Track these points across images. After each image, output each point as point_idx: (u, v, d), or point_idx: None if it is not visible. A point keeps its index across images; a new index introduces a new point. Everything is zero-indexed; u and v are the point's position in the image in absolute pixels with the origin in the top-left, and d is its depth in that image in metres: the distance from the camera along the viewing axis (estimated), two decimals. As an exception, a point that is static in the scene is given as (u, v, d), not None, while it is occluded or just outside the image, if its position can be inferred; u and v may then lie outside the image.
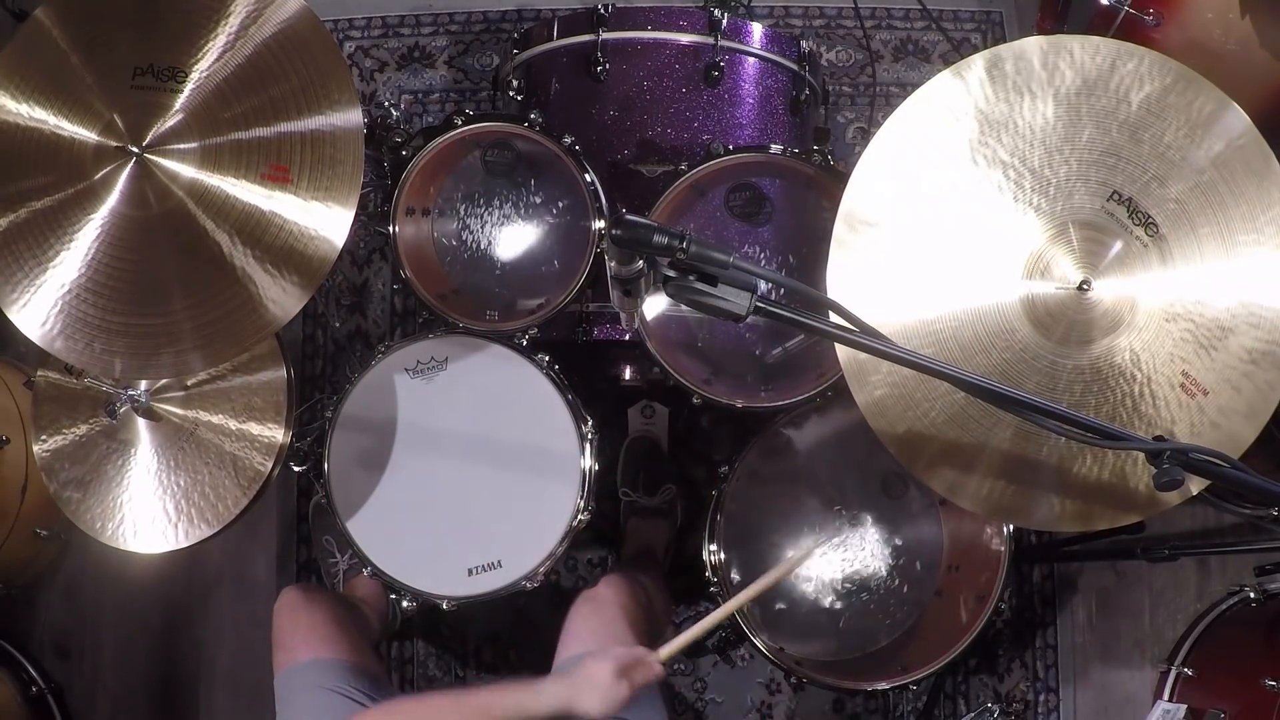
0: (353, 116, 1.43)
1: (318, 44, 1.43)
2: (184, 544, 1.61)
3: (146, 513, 1.62)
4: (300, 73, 1.42)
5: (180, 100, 1.41)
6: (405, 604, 1.68)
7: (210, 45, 1.42)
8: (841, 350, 1.28)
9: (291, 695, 1.49)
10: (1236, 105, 1.24)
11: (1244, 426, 1.25)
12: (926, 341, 1.26)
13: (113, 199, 1.40)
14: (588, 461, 1.65)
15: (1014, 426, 1.26)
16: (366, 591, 1.99)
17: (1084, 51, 1.26)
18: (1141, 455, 1.19)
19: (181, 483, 1.62)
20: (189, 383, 1.63)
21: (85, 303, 1.41)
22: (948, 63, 2.42)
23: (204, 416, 1.63)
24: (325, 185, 1.40)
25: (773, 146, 1.63)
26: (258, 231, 1.39)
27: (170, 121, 1.40)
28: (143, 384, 1.61)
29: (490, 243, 1.83)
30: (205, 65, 1.42)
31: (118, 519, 1.63)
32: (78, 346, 1.42)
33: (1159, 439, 1.03)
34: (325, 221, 1.40)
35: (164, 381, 1.63)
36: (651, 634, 1.70)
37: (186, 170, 1.40)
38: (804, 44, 1.87)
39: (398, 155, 1.69)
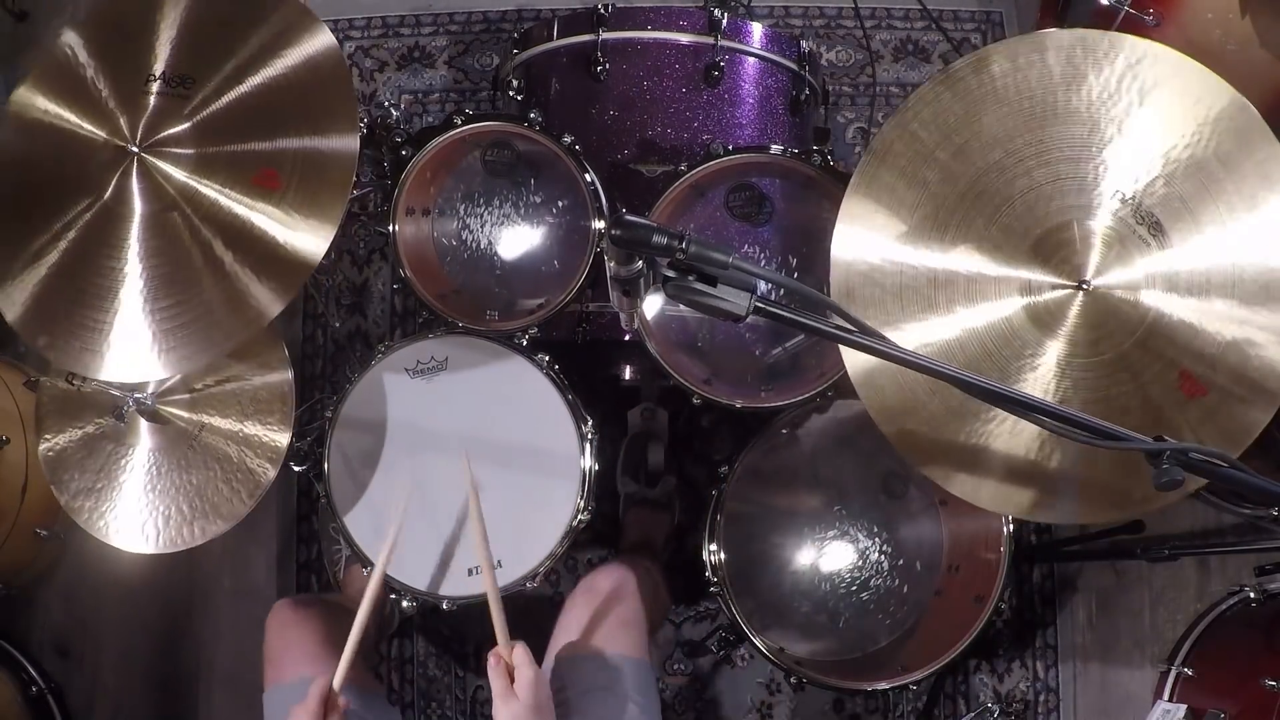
0: (349, 144, 1.43)
1: (333, 77, 1.45)
2: (199, 541, 1.61)
3: (161, 515, 1.62)
4: (310, 102, 1.43)
5: (183, 105, 1.43)
6: (405, 604, 1.67)
7: (227, 61, 1.45)
8: (845, 352, 1.28)
9: (277, 713, 1.49)
10: (1246, 100, 1.23)
11: (1243, 427, 1.25)
12: (926, 341, 1.26)
13: (112, 198, 1.41)
14: (588, 461, 1.65)
15: (1014, 427, 1.26)
16: (365, 586, 1.99)
17: (1086, 48, 1.26)
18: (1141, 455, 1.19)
19: (194, 480, 1.62)
20: (195, 385, 1.63)
21: (80, 302, 1.42)
22: (948, 63, 2.43)
23: (209, 419, 1.63)
24: (309, 207, 1.41)
25: (773, 147, 1.63)
26: (241, 240, 1.41)
27: (168, 122, 1.42)
28: (150, 387, 1.62)
29: (490, 243, 1.83)
30: (219, 78, 1.44)
31: (137, 524, 1.63)
32: (58, 342, 1.43)
33: (1159, 438, 1.03)
34: (304, 241, 1.40)
35: (169, 384, 1.63)
36: (650, 625, 1.70)
37: (178, 174, 1.42)
38: (804, 44, 1.87)
39: (398, 155, 1.69)
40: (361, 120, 1.47)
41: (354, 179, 1.43)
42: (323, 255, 1.40)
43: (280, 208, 1.40)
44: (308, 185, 1.40)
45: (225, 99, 1.43)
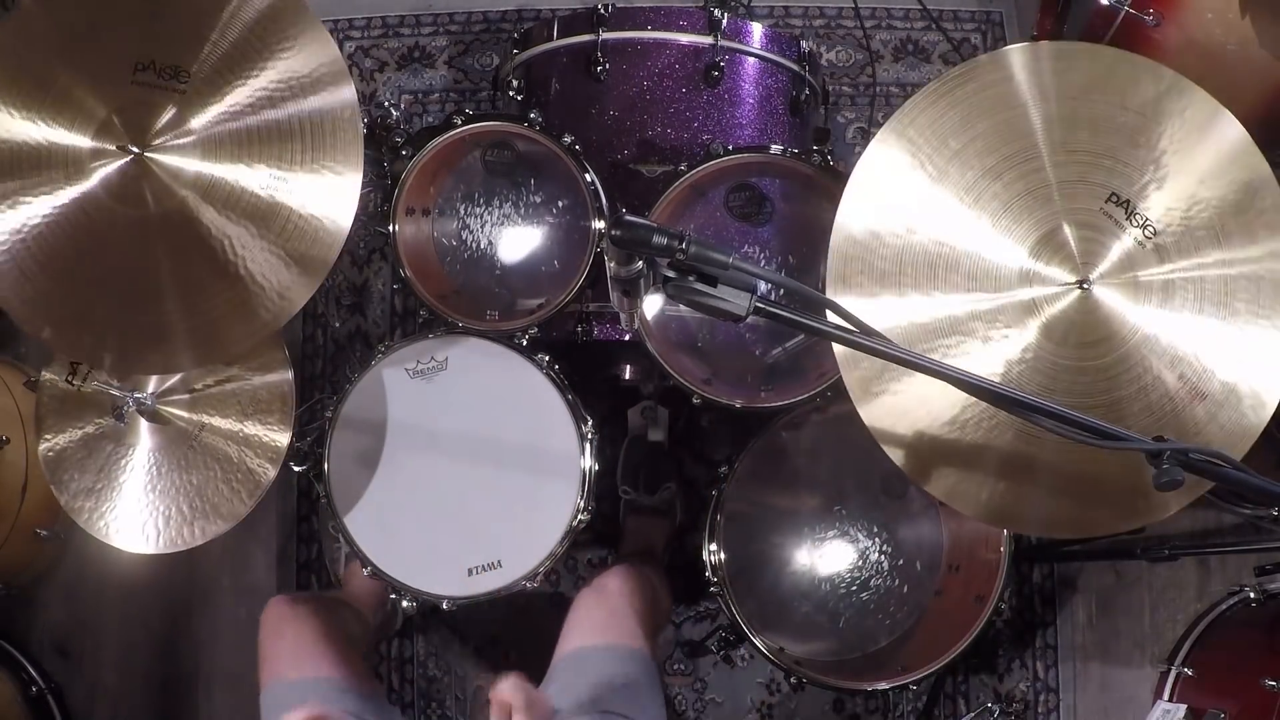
0: (346, 93, 1.42)
1: (300, 25, 1.43)
2: (199, 541, 1.61)
3: (161, 515, 1.62)
4: (288, 57, 1.42)
5: (177, 96, 1.40)
6: (405, 604, 1.68)
7: (201, 37, 1.41)
8: (839, 352, 1.28)
9: (272, 712, 1.48)
10: (1228, 111, 1.25)
11: (1243, 428, 1.25)
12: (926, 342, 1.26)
13: (112, 198, 1.40)
14: (588, 461, 1.65)
15: (1014, 428, 1.26)
16: (364, 584, 1.98)
17: (1082, 56, 1.27)
18: (1142, 458, 1.19)
19: (194, 480, 1.62)
20: (196, 385, 1.63)
21: (76, 298, 1.41)
22: (948, 63, 2.43)
23: (209, 419, 1.63)
24: (327, 167, 1.41)
25: (773, 147, 1.63)
26: (266, 220, 1.40)
27: (167, 118, 1.40)
28: (150, 386, 1.62)
29: (490, 243, 1.83)
30: (199, 58, 1.41)
31: (137, 524, 1.63)
32: (66, 339, 1.42)
33: (1159, 439, 1.03)
34: (329, 206, 1.40)
35: (170, 384, 1.63)
36: (655, 628, 1.70)
37: (190, 166, 1.39)
38: (804, 44, 1.86)
39: (398, 155, 1.70)
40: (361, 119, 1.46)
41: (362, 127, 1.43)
42: (350, 223, 1.40)
43: (298, 172, 1.40)
44: (320, 146, 1.41)
45: (210, 76, 1.41)
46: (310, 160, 1.40)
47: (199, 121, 1.40)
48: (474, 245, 1.83)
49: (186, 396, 1.63)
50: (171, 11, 1.43)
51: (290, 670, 1.50)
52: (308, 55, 1.42)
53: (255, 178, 1.40)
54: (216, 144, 1.40)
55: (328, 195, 1.41)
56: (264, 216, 1.40)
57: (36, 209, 1.39)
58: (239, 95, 1.41)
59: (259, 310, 1.41)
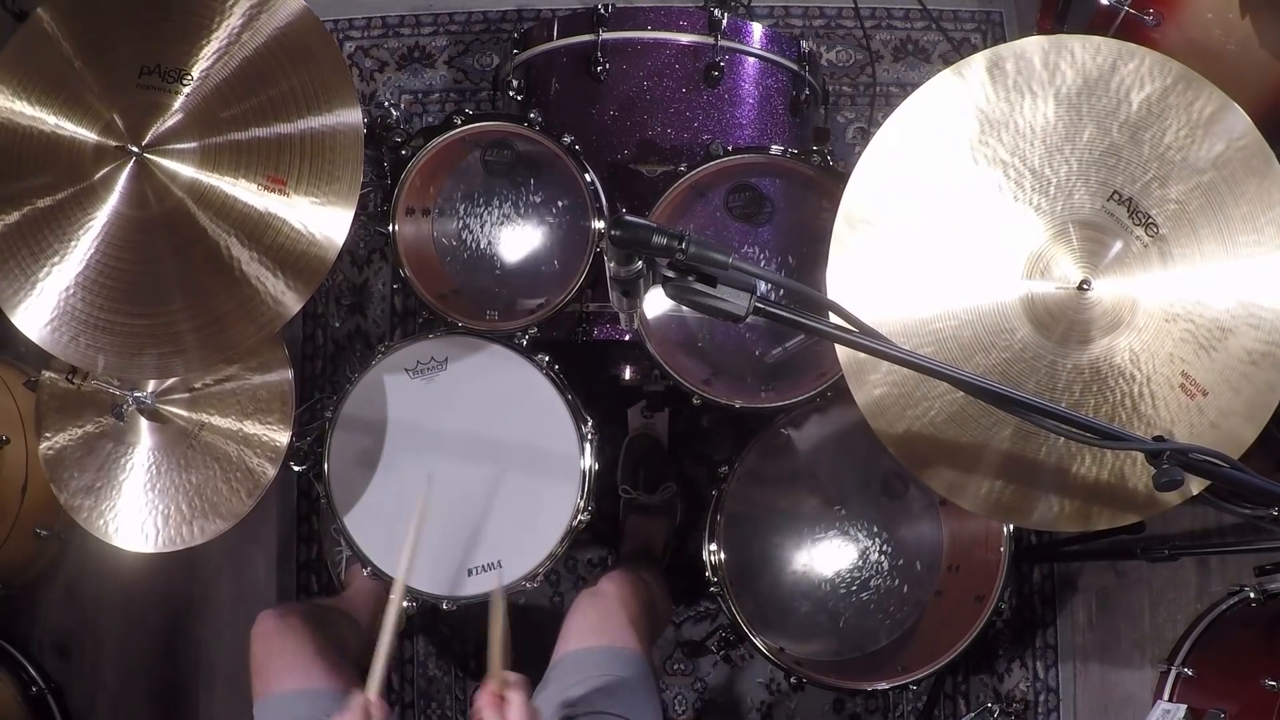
0: (352, 117, 1.43)
1: (317, 45, 1.44)
2: (198, 541, 1.62)
3: (160, 514, 1.63)
4: (299, 74, 1.42)
5: (181, 100, 1.41)
6: (405, 604, 1.67)
7: (211, 45, 1.42)
8: (841, 350, 1.28)
9: None
10: (1237, 105, 1.24)
11: (1243, 427, 1.25)
12: (926, 341, 1.26)
13: (112, 199, 1.40)
14: (588, 461, 1.65)
15: (1014, 426, 1.26)
16: (366, 585, 1.98)
17: (1085, 51, 1.26)
18: (1141, 455, 1.19)
19: (194, 480, 1.62)
20: (196, 385, 1.64)
21: (76, 298, 1.41)
22: (948, 63, 2.42)
23: (208, 418, 1.63)
24: (324, 188, 1.41)
25: (773, 147, 1.63)
26: (256, 232, 1.40)
27: (170, 121, 1.41)
28: (150, 386, 1.62)
29: (490, 243, 1.83)
30: (206, 65, 1.42)
31: (137, 523, 1.63)
32: (62, 339, 1.42)
33: (1159, 439, 1.03)
34: (323, 224, 1.40)
35: (169, 383, 1.63)
36: (652, 631, 1.70)
37: (186, 170, 1.40)
38: (804, 44, 1.86)
39: (398, 155, 1.70)
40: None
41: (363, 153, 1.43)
42: (342, 243, 1.40)
43: (294, 194, 1.40)
44: (319, 166, 1.41)
45: (216, 86, 1.42)
46: (305, 186, 1.41)
47: (196, 125, 1.41)
48: (474, 245, 1.83)
49: (186, 395, 1.63)
50: (179, 16, 1.44)
51: (280, 684, 1.48)
52: (314, 72, 1.43)
53: (247, 192, 1.40)
54: (214, 151, 1.41)
55: (318, 222, 1.41)
56: (253, 229, 1.40)
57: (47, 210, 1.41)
58: (239, 102, 1.41)
59: (255, 314, 1.41)
